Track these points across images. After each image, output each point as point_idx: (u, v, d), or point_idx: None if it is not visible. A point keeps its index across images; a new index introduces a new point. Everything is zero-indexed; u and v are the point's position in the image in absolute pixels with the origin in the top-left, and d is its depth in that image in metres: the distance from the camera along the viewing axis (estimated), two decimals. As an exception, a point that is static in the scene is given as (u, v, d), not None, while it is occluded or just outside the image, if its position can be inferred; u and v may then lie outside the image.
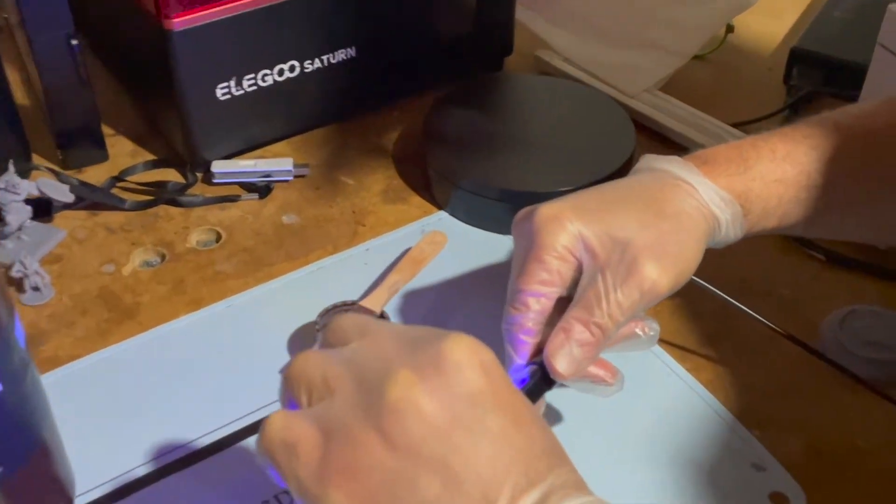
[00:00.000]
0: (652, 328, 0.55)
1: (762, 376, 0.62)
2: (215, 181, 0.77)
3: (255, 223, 0.74)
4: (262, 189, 0.76)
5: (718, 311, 0.65)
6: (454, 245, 0.71)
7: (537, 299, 0.52)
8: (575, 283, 0.53)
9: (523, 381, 0.51)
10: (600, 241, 0.52)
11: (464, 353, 0.38)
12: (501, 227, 0.73)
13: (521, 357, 0.52)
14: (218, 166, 0.77)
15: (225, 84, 0.74)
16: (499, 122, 0.78)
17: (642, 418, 0.60)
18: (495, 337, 0.51)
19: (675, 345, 0.64)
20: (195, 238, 0.73)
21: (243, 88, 0.75)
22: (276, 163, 0.78)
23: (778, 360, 0.62)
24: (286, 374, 0.41)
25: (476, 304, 0.66)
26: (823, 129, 0.56)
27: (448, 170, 0.73)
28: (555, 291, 0.52)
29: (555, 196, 0.70)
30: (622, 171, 0.73)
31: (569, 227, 0.52)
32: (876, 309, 0.65)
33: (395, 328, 0.41)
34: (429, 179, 0.76)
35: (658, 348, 0.64)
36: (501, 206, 0.72)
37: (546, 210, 0.53)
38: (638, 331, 0.55)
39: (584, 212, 0.52)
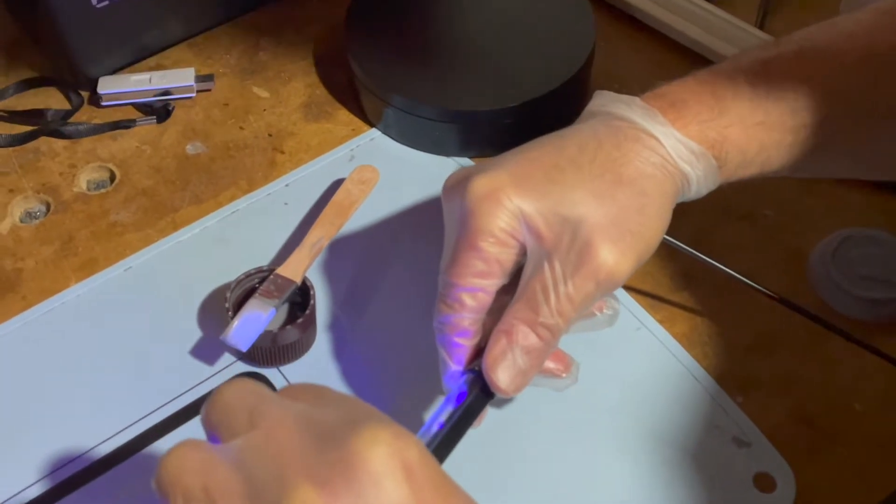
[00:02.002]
0: (611, 306, 0.46)
1: (744, 328, 0.54)
2: (104, 104, 0.65)
3: (154, 156, 0.63)
4: (161, 111, 0.65)
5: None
6: (389, 172, 0.61)
7: (473, 295, 0.43)
8: (518, 267, 0.44)
9: (461, 395, 0.43)
10: (546, 221, 0.42)
11: (382, 455, 0.29)
12: (443, 149, 0.63)
13: (456, 363, 0.44)
14: (105, 85, 0.65)
15: (100, -12, 0.62)
16: (436, 19, 0.66)
17: (610, 387, 0.52)
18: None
19: (645, 292, 0.56)
20: (84, 179, 0.62)
21: (124, -8, 0.63)
22: (174, 75, 0.66)
23: (761, 308, 0.54)
24: (158, 476, 0.32)
25: (416, 249, 0.57)
26: (813, 55, 0.45)
27: (376, 83, 0.62)
28: (494, 284, 0.44)
29: (503, 115, 0.61)
30: (577, 78, 0.62)
31: (508, 206, 0.42)
32: (874, 233, 0.57)
33: (293, 413, 0.32)
34: (356, 89, 0.65)
35: (627, 296, 0.56)
36: (441, 126, 0.61)
37: (480, 184, 0.43)
38: (594, 310, 0.46)
39: (527, 184, 0.43)
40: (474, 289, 0.43)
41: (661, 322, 0.55)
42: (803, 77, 0.45)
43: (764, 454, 0.49)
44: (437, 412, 0.42)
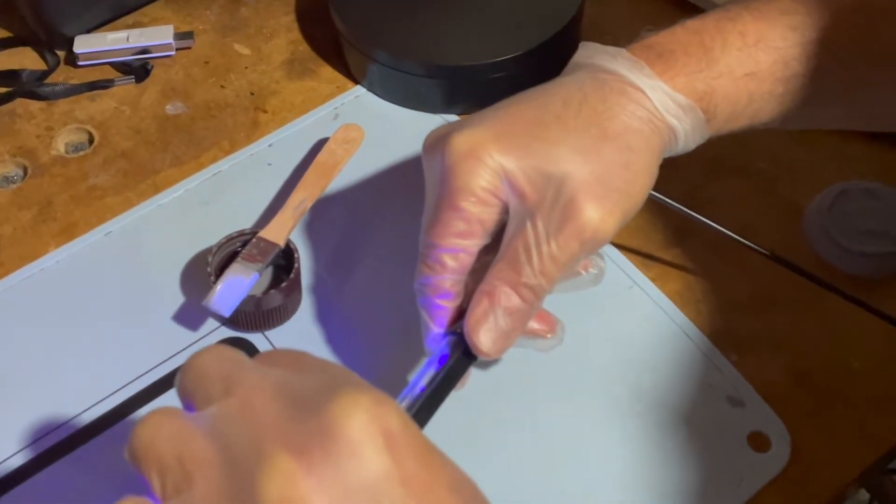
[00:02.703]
0: (596, 265, 0.45)
1: (738, 286, 0.53)
2: (81, 63, 0.63)
3: (133, 117, 0.61)
4: (139, 70, 0.63)
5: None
6: (374, 130, 0.59)
7: (454, 256, 0.42)
8: (501, 226, 0.43)
9: (443, 357, 0.42)
10: (529, 179, 0.41)
11: (361, 422, 0.28)
12: (430, 105, 0.61)
13: (438, 325, 0.43)
14: (82, 44, 0.63)
15: (72, -56, 0.60)
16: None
17: (601, 347, 0.51)
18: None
19: (636, 250, 0.55)
20: (62, 141, 0.60)
21: (97, -53, 0.61)
22: (153, 33, 0.64)
23: (756, 264, 0.53)
24: (131, 446, 0.31)
25: (402, 208, 0.56)
26: (806, 1, 0.44)
27: (360, 38, 0.60)
28: (475, 244, 0.42)
29: (490, 70, 0.59)
30: (566, 31, 0.60)
31: (489, 163, 0.41)
32: (871, 186, 0.56)
33: (270, 379, 0.31)
34: (340, 45, 0.63)
35: (618, 254, 0.54)
36: (427, 82, 0.60)
37: (460, 141, 0.41)
38: (580, 269, 0.45)
39: (509, 141, 0.41)
40: (455, 249, 0.42)
41: (653, 280, 0.53)
42: (794, 25, 0.43)
43: (758, 413, 0.49)
44: (419, 375, 0.41)
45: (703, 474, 0.47)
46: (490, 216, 0.42)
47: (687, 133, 0.44)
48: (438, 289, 0.43)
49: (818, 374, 0.50)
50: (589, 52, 0.45)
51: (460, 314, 0.43)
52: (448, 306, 0.43)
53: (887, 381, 0.50)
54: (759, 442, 0.48)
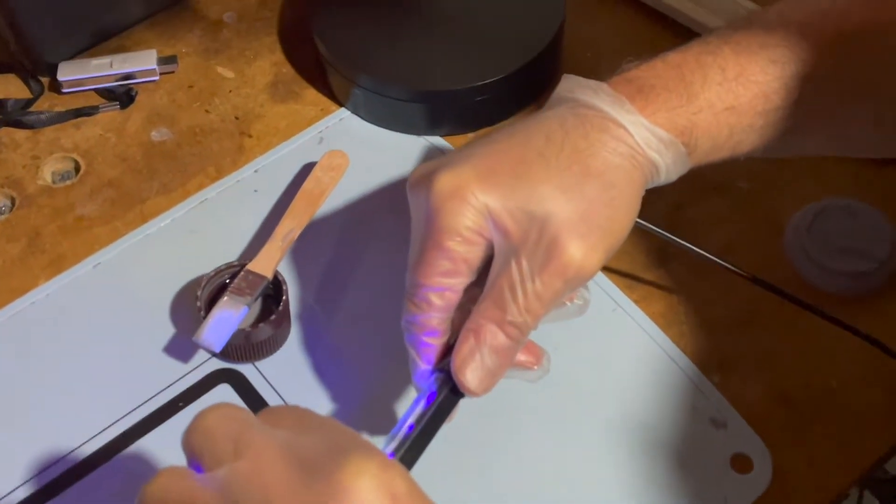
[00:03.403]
0: (581, 296, 0.46)
1: (721, 306, 0.54)
2: (65, 90, 0.63)
3: (119, 144, 0.62)
4: (124, 97, 0.63)
5: (669, 225, 0.56)
6: (359, 153, 0.60)
7: (440, 294, 0.43)
8: (486, 262, 0.43)
9: (431, 395, 0.42)
10: (513, 217, 0.41)
11: (369, 487, 0.29)
12: (414, 128, 0.62)
13: (426, 362, 0.43)
14: (65, 71, 0.63)
15: (53, -26, 0.60)
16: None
17: (586, 370, 0.52)
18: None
19: (620, 272, 0.56)
20: (49, 170, 0.61)
21: (78, -25, 0.61)
22: (136, 58, 0.64)
23: (737, 284, 0.53)
24: (141, 500, 0.32)
25: (390, 232, 0.56)
26: (785, 34, 0.44)
27: (343, 62, 0.61)
28: (461, 282, 0.43)
29: (474, 93, 0.59)
30: (548, 51, 0.61)
31: (473, 203, 0.42)
32: (850, 203, 0.57)
33: (278, 441, 0.32)
34: (323, 67, 0.64)
35: (602, 277, 0.55)
36: (411, 106, 0.60)
37: (444, 181, 0.42)
38: (564, 300, 0.46)
39: (492, 179, 0.42)
40: (441, 288, 0.43)
41: (637, 302, 0.54)
42: (775, 58, 0.44)
43: (740, 435, 0.50)
44: (408, 413, 0.42)
45: (687, 497, 0.48)
46: (475, 255, 0.43)
47: (668, 167, 0.44)
48: (425, 326, 0.43)
49: (799, 393, 0.51)
50: (570, 86, 0.46)
51: (448, 350, 0.44)
52: (435, 343, 0.44)
53: (865, 400, 0.51)
54: (741, 464, 0.49)
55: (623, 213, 0.43)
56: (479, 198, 0.42)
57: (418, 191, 0.44)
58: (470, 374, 0.42)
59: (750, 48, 0.44)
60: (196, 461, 0.33)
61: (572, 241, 0.41)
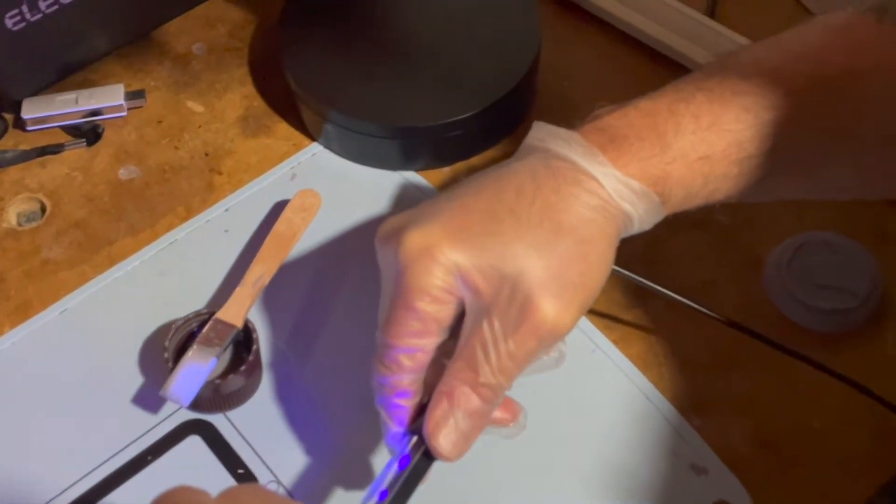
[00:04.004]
0: (557, 349, 0.45)
1: (700, 347, 0.53)
2: (30, 128, 0.62)
3: (85, 183, 0.60)
4: (90, 133, 0.62)
5: (648, 263, 0.55)
6: (332, 189, 0.59)
7: (411, 355, 0.41)
8: (459, 319, 0.42)
9: (404, 459, 0.41)
10: (484, 276, 0.40)
11: None
12: (388, 163, 0.60)
13: (398, 424, 0.42)
14: (30, 108, 0.62)
15: (14, 11, 0.58)
16: (374, 28, 0.62)
17: (565, 415, 0.51)
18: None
19: (599, 312, 0.55)
20: (14, 212, 0.59)
21: (41, 11, 0.59)
22: (103, 94, 0.63)
23: (717, 324, 0.52)
24: None
25: (363, 272, 0.55)
26: (759, 80, 0.43)
27: (314, 98, 0.59)
28: (432, 342, 0.42)
29: (447, 129, 0.58)
30: (523, 84, 0.60)
31: (443, 262, 0.40)
32: (830, 237, 0.56)
33: None
34: (294, 100, 0.62)
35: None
36: (384, 142, 0.59)
37: (413, 239, 0.41)
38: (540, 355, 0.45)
39: (462, 237, 0.41)
40: (412, 349, 0.42)
41: (615, 343, 0.53)
42: (748, 106, 0.43)
43: (722, 481, 0.49)
44: (380, 477, 0.41)
45: (668, 546, 0.47)
46: (446, 314, 0.42)
47: (642, 217, 0.43)
48: (396, 388, 0.42)
49: (780, 436, 0.50)
50: (541, 135, 0.44)
51: (421, 410, 0.43)
52: (407, 405, 0.42)
53: (847, 442, 0.50)
54: (723, 511, 0.48)
55: (596, 267, 0.42)
56: (448, 256, 0.41)
57: (387, 248, 0.43)
58: (443, 439, 0.41)
59: (723, 96, 0.43)
60: None
61: (545, 300, 0.40)
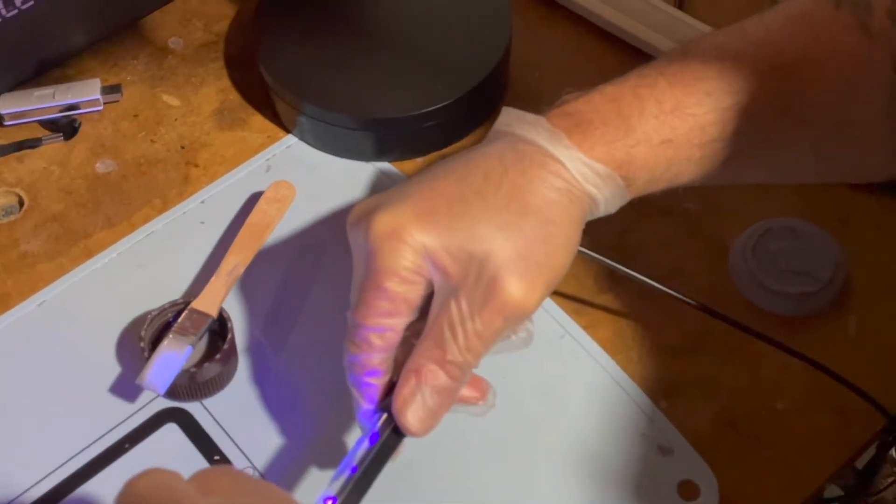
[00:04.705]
0: (525, 328, 0.46)
1: (668, 330, 0.54)
2: (7, 123, 0.63)
3: (63, 177, 0.61)
4: (67, 127, 0.62)
5: (616, 250, 0.56)
6: (307, 180, 0.60)
7: (381, 334, 0.43)
8: (428, 300, 0.43)
9: (374, 435, 0.42)
10: (452, 257, 0.42)
11: None
12: (362, 154, 0.61)
13: (368, 402, 0.43)
14: (7, 103, 0.62)
15: (-10, 7, 0.59)
16: (347, 21, 0.63)
17: (534, 398, 0.52)
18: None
19: (569, 296, 0.56)
20: (-8, 205, 0.60)
21: (17, 7, 0.59)
22: (80, 88, 0.63)
23: (685, 308, 0.53)
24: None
25: (338, 261, 0.56)
26: (720, 66, 0.44)
27: (288, 90, 0.60)
28: (401, 322, 0.43)
29: (420, 119, 0.59)
30: (494, 75, 0.61)
31: (411, 243, 0.42)
32: (794, 223, 0.57)
33: None
34: (269, 93, 0.63)
35: (551, 303, 0.55)
36: (358, 134, 0.60)
37: (382, 221, 0.42)
38: (509, 333, 0.46)
39: (430, 219, 0.42)
40: (381, 328, 0.43)
41: (585, 328, 0.54)
42: (710, 91, 0.44)
43: (687, 461, 0.50)
44: (351, 454, 0.42)
45: (635, 526, 0.48)
46: (415, 294, 0.43)
47: (607, 199, 0.45)
48: (366, 366, 0.43)
49: (745, 417, 0.52)
50: (509, 120, 0.45)
51: (391, 388, 0.44)
52: (377, 383, 0.43)
53: (810, 422, 0.51)
54: (688, 491, 0.49)
55: (562, 248, 0.43)
56: (416, 238, 0.42)
57: (357, 231, 0.44)
58: (411, 415, 0.42)
59: (685, 80, 0.45)
60: None
61: (511, 280, 0.41)
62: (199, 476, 0.35)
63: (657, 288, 0.52)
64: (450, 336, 0.42)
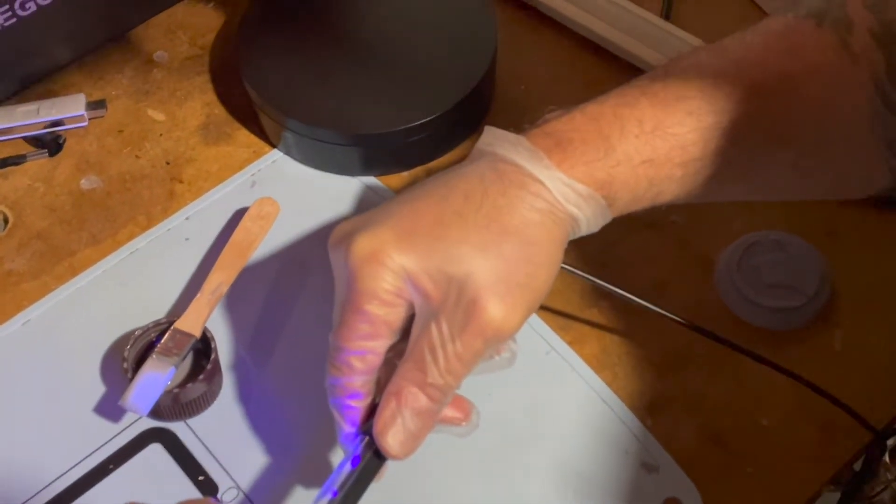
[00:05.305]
0: (509, 348, 0.46)
1: (653, 346, 0.54)
2: (-9, 139, 0.63)
3: (47, 194, 0.61)
4: (52, 144, 0.62)
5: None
6: (292, 196, 0.59)
7: (361, 357, 0.42)
8: (409, 322, 0.43)
9: (356, 458, 0.42)
10: (432, 279, 0.41)
11: None
12: (348, 169, 0.61)
13: (350, 424, 0.43)
14: (-9, 119, 0.62)
15: (-28, 25, 0.58)
16: (332, 35, 0.63)
17: (519, 415, 0.52)
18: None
19: (555, 310, 0.56)
20: (-24, 223, 0.60)
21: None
22: (64, 104, 0.63)
23: (670, 324, 0.53)
24: None
25: (324, 277, 0.55)
26: (701, 85, 0.44)
27: (272, 106, 0.60)
28: (382, 345, 0.43)
29: (406, 134, 0.59)
30: (480, 88, 0.61)
31: (391, 266, 0.41)
32: (779, 237, 0.57)
33: None
34: (254, 108, 0.63)
35: (537, 319, 0.55)
36: (343, 149, 0.60)
37: (362, 243, 0.42)
38: (492, 353, 0.46)
39: (410, 241, 0.42)
40: (362, 352, 0.42)
41: (570, 344, 0.54)
42: (691, 110, 0.44)
43: (672, 478, 0.50)
44: (332, 477, 0.42)
45: (620, 543, 0.48)
46: (396, 316, 0.43)
47: (589, 219, 0.44)
48: (347, 389, 0.43)
49: (730, 433, 0.52)
50: (491, 139, 0.45)
51: (374, 410, 0.44)
52: (358, 406, 0.43)
53: (795, 438, 0.51)
54: (673, 508, 0.49)
55: (543, 269, 0.43)
56: (396, 260, 0.42)
57: (338, 252, 0.44)
58: (391, 438, 0.42)
59: (666, 100, 0.44)
60: None
61: (491, 302, 0.41)
62: None
63: (640, 304, 0.52)
64: (430, 359, 0.42)
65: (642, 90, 0.45)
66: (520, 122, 0.46)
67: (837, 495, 0.68)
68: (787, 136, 0.45)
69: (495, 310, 0.41)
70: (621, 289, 0.53)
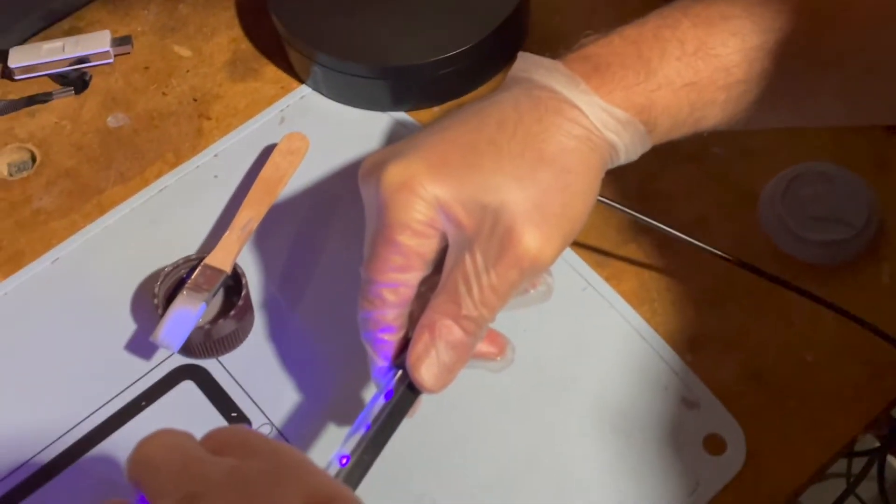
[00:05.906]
0: (545, 282, 0.44)
1: (693, 282, 0.53)
2: (17, 77, 0.62)
3: (75, 132, 0.60)
4: (78, 81, 0.61)
5: (640, 198, 0.54)
6: (322, 132, 0.58)
7: (394, 290, 0.41)
8: (442, 254, 0.42)
9: (389, 392, 0.41)
10: (466, 209, 0.40)
11: None
12: (378, 104, 0.60)
13: (383, 358, 0.42)
14: (17, 57, 0.61)
15: (-6, -42, 0.57)
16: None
17: (556, 352, 0.51)
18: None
19: (591, 247, 0.54)
20: (5, 162, 0.59)
21: (21, -43, 0.58)
22: (89, 41, 0.62)
23: (711, 259, 0.51)
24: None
25: (354, 213, 0.54)
26: (746, 4, 0.42)
27: (301, 39, 0.58)
28: (415, 276, 0.42)
29: (437, 67, 0.57)
30: (513, 19, 0.59)
31: (423, 195, 0.40)
32: (824, 168, 0.55)
33: (219, 470, 0.30)
34: (282, 43, 0.62)
35: (572, 254, 0.54)
36: (373, 83, 0.58)
37: (393, 174, 0.40)
38: (527, 286, 0.45)
39: (442, 171, 0.40)
40: (394, 284, 0.41)
41: (607, 280, 0.53)
42: (735, 31, 0.42)
43: (713, 414, 0.49)
44: (365, 411, 0.41)
45: (659, 480, 0.47)
46: (429, 247, 0.42)
47: (627, 147, 0.43)
48: (380, 323, 0.42)
49: (772, 369, 0.50)
50: (525, 65, 0.44)
51: (406, 344, 0.43)
52: (391, 339, 0.42)
53: (840, 374, 0.50)
54: (714, 445, 0.48)
55: (580, 198, 0.41)
56: (428, 189, 0.40)
57: (369, 183, 0.43)
58: (425, 370, 0.41)
59: (710, 20, 0.42)
60: (139, 490, 0.32)
61: (527, 231, 0.40)
62: (211, 436, 0.34)
63: (680, 238, 0.51)
64: (464, 290, 0.40)
65: (684, 10, 0.43)
66: (554, 53, 0.44)
67: (876, 443, 0.67)
68: (834, 59, 0.43)
69: (531, 239, 0.40)
70: (661, 223, 0.51)
